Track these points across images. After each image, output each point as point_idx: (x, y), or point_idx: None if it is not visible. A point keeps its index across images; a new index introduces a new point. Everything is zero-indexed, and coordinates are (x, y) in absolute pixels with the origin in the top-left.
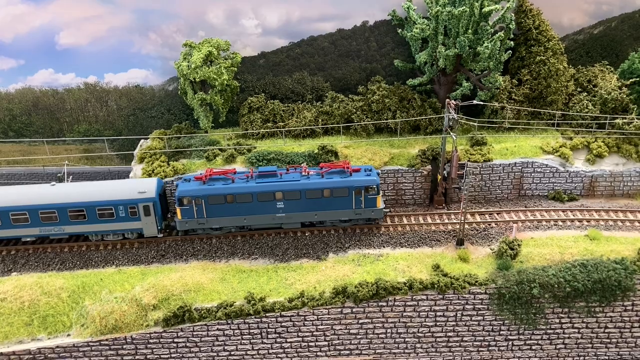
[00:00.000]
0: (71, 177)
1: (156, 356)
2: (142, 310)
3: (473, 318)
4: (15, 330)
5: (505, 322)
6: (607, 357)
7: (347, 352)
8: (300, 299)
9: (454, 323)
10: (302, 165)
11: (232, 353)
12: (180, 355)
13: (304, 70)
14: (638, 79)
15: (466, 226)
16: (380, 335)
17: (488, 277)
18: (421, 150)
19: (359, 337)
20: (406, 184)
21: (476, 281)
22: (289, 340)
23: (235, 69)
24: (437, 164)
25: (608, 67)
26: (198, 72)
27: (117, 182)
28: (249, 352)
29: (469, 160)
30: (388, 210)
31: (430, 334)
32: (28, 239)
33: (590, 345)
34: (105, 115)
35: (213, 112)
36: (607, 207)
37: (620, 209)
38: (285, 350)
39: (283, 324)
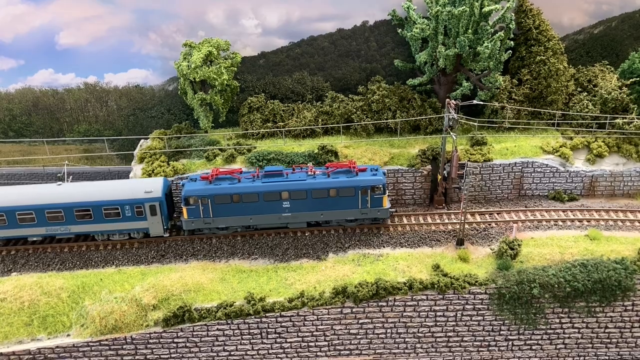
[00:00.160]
0: (71, 177)
1: (156, 356)
2: (142, 311)
3: (473, 318)
4: (15, 330)
5: (506, 322)
6: (607, 357)
7: (347, 352)
8: (300, 299)
9: (454, 323)
10: (308, 164)
11: (232, 353)
12: (180, 355)
13: (304, 70)
14: (638, 78)
15: (466, 226)
16: (380, 335)
17: (488, 277)
18: (421, 150)
19: (359, 337)
20: (406, 184)
21: (476, 281)
22: (288, 340)
23: (235, 69)
24: (437, 163)
25: (608, 66)
26: (198, 72)
27: (124, 182)
28: (248, 352)
29: (469, 160)
30: (394, 210)
31: (430, 334)
32: (34, 239)
33: (590, 345)
34: (105, 115)
35: (213, 112)
36: (608, 207)
37: (621, 208)
38: (285, 350)
39: (283, 324)
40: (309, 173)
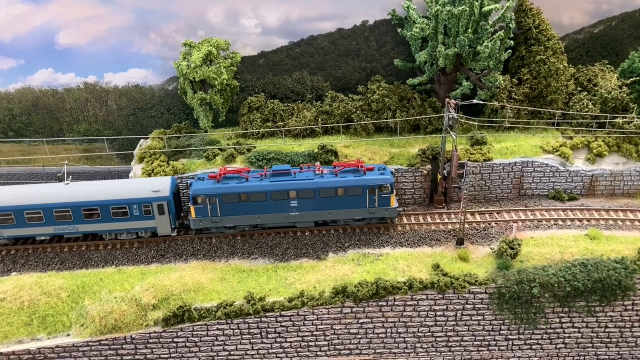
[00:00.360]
0: (71, 177)
1: (156, 356)
2: (142, 310)
3: (473, 318)
4: (14, 330)
5: (505, 321)
6: (607, 357)
7: (347, 351)
8: (300, 299)
9: (453, 323)
10: (316, 164)
11: (232, 353)
12: (180, 355)
13: (304, 70)
14: (638, 78)
15: (466, 225)
16: (380, 335)
17: (488, 277)
18: (421, 150)
19: (358, 336)
20: (406, 184)
21: (476, 281)
22: (288, 340)
23: (235, 68)
24: (437, 163)
25: (608, 66)
26: (198, 71)
27: (131, 181)
28: (248, 352)
29: (469, 160)
30: (402, 209)
31: (430, 333)
32: (42, 238)
33: (590, 345)
34: (105, 115)
35: (213, 112)
36: (607, 207)
37: (621, 208)
38: (285, 350)
39: (283, 323)
40: (317, 172)
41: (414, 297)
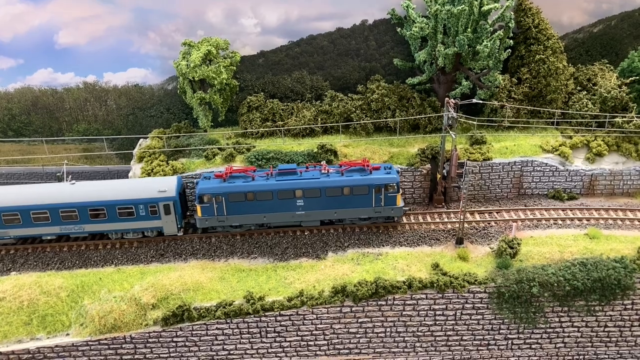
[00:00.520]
0: (70, 176)
1: (155, 355)
2: (141, 310)
3: (472, 317)
4: (14, 329)
5: (505, 321)
6: (606, 356)
7: (347, 351)
8: (299, 298)
9: (453, 322)
10: (322, 163)
11: (231, 352)
12: (180, 354)
13: (303, 69)
14: (638, 77)
15: (466, 225)
16: (379, 334)
17: (487, 276)
18: (420, 149)
19: (358, 336)
20: (406, 183)
21: (476, 280)
22: (288, 339)
23: (235, 68)
24: (436, 162)
25: (608, 65)
26: (197, 71)
27: (138, 181)
28: (248, 352)
29: (468, 159)
30: (407, 208)
31: (429, 333)
32: (48, 238)
33: (590, 344)
34: (105, 114)
35: (212, 111)
36: (607, 206)
37: (620, 207)
38: (285, 349)
39: (282, 323)
40: (323, 171)
41: (413, 296)
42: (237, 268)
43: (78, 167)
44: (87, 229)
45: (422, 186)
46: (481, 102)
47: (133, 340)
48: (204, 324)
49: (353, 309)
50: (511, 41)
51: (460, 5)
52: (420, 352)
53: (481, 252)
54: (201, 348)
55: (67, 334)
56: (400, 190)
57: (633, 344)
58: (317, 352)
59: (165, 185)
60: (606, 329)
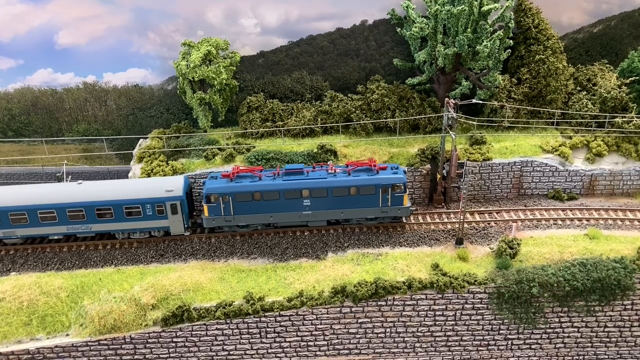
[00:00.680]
0: (70, 176)
1: (155, 356)
2: (141, 310)
3: (472, 317)
4: (14, 330)
5: (505, 321)
6: (606, 357)
7: (346, 351)
8: (299, 299)
9: (453, 322)
10: (329, 162)
11: (231, 352)
12: (179, 354)
13: (303, 70)
14: (637, 77)
15: (465, 225)
16: (379, 335)
17: (487, 277)
18: (420, 150)
19: (358, 336)
20: None
21: (475, 280)
22: (288, 339)
23: (234, 68)
24: (436, 163)
25: (607, 65)
26: (197, 71)
27: (145, 181)
28: (247, 352)
29: (468, 159)
30: (414, 208)
31: (429, 333)
32: (55, 237)
33: (589, 345)
34: (104, 114)
35: (212, 112)
36: (607, 206)
37: (620, 207)
38: (285, 349)
39: (282, 323)
40: (330, 171)
41: (413, 296)
42: (236, 268)
43: (78, 167)
44: (94, 229)
45: (422, 186)
46: (481, 102)
47: (133, 341)
48: (204, 324)
49: (353, 309)
50: (511, 41)
51: (460, 6)
52: (420, 352)
53: (481, 253)
54: (201, 348)
55: (67, 335)
56: (407, 190)
57: (633, 344)
58: (317, 353)
59: (172, 185)
60: (606, 329)
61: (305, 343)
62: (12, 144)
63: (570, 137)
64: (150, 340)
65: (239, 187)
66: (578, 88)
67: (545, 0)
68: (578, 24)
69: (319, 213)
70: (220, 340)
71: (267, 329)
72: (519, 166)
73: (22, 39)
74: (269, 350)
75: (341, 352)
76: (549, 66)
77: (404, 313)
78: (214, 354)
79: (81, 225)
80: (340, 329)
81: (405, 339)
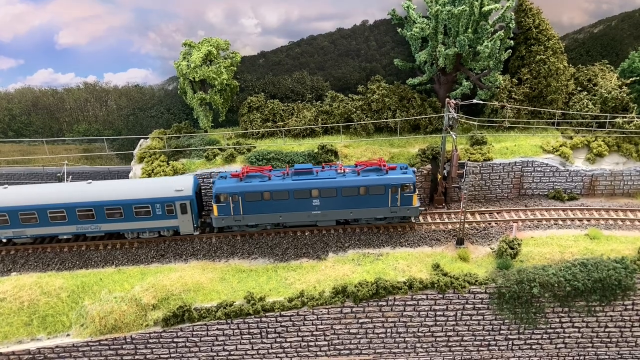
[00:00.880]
0: (71, 177)
1: (156, 356)
2: (142, 310)
3: (473, 317)
4: (14, 330)
5: (506, 321)
6: (607, 357)
7: (347, 351)
8: (300, 299)
9: (454, 322)
10: (338, 162)
11: (232, 353)
12: (180, 355)
13: (304, 70)
14: (638, 77)
15: (466, 225)
16: (380, 335)
17: (488, 277)
18: (421, 150)
19: (358, 336)
20: None
21: (476, 280)
22: (288, 340)
23: (235, 68)
24: (437, 163)
25: (608, 66)
26: (197, 71)
27: (154, 180)
28: (248, 352)
29: (469, 160)
30: (423, 208)
31: (430, 333)
32: (65, 237)
33: (590, 345)
34: (105, 115)
35: (213, 112)
36: (607, 206)
37: (621, 208)
38: (285, 350)
39: (283, 323)
40: (339, 171)
41: (414, 297)
42: (237, 268)
43: (78, 167)
44: (103, 228)
45: (422, 186)
46: (482, 102)
47: (134, 341)
48: (205, 324)
49: (354, 309)
50: (512, 42)
51: (461, 6)
52: (421, 352)
53: (482, 253)
54: (202, 349)
55: (68, 335)
56: (417, 190)
57: (634, 344)
58: (318, 353)
59: (182, 185)
60: (607, 330)
61: (306, 343)
62: (12, 144)
63: (571, 138)
64: (151, 341)
65: (249, 187)
66: (579, 88)
67: (546, 0)
68: (578, 24)
69: (328, 213)
70: (221, 341)
71: (268, 329)
72: (520, 166)
73: (22, 39)
74: (270, 351)
75: (342, 352)
76: (550, 66)
77: (404, 313)
78: (214, 354)
79: (90, 224)
80: (341, 329)
81: (406, 339)
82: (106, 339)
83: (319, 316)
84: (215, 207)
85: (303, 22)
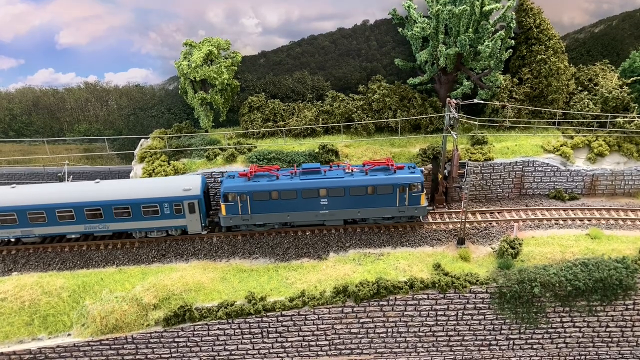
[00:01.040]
0: (72, 176)
1: (157, 356)
2: (143, 310)
3: (474, 317)
4: (15, 329)
5: (507, 321)
6: (608, 356)
7: (348, 351)
8: (301, 299)
9: (455, 322)
10: (346, 162)
11: (233, 352)
12: (181, 354)
13: (305, 70)
14: (639, 77)
15: (467, 225)
16: (381, 335)
17: (489, 276)
18: (422, 149)
19: (360, 336)
20: None
21: (477, 280)
22: (289, 339)
23: (236, 68)
24: (437, 163)
25: (609, 65)
26: (198, 71)
27: (162, 180)
28: (249, 352)
29: (469, 159)
30: (431, 208)
31: (431, 333)
32: (73, 236)
33: (591, 344)
34: (106, 114)
35: (213, 112)
36: (608, 206)
37: (621, 207)
38: (286, 349)
39: (284, 323)
40: (347, 170)
41: (415, 296)
42: (238, 268)
43: (79, 167)
44: (111, 228)
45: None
46: (482, 102)
47: (135, 341)
48: (206, 324)
49: (355, 309)
50: (512, 41)
51: (462, 5)
52: (422, 352)
53: (483, 253)
54: (203, 348)
55: (69, 334)
56: (425, 189)
57: (635, 344)
58: (319, 353)
59: (190, 184)
60: (608, 329)
61: (307, 343)
62: (13, 144)
63: (572, 137)
64: (152, 340)
65: (257, 186)
66: (579, 88)
67: (547, 0)
68: (579, 23)
69: (336, 212)
70: (222, 340)
71: (269, 329)
72: (521, 166)
73: (23, 38)
74: (271, 350)
75: (343, 352)
76: (551, 66)
77: (405, 313)
78: (215, 353)
79: (99, 224)
80: (342, 328)
81: (407, 338)
82: (107, 339)
83: (320, 316)
84: (223, 206)
85: (303, 21)
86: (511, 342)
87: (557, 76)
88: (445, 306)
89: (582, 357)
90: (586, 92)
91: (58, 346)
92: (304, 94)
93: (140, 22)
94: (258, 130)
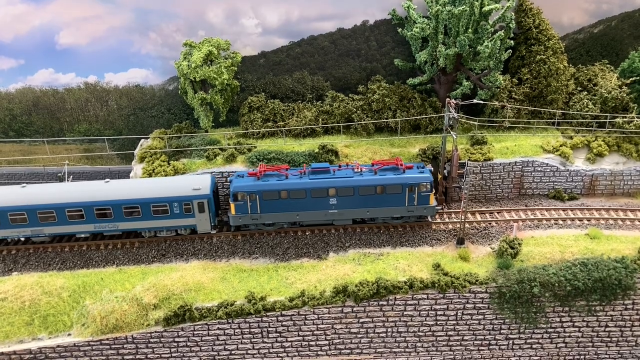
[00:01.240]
0: (72, 176)
1: (157, 355)
2: (143, 310)
3: (474, 317)
4: (16, 329)
5: (506, 321)
6: (607, 356)
7: (348, 351)
8: (300, 298)
9: (454, 322)
10: (355, 161)
11: (233, 352)
12: (181, 354)
13: (304, 70)
14: (638, 77)
15: (466, 225)
16: (381, 334)
17: (489, 276)
18: (421, 150)
19: (359, 336)
20: None
21: (477, 280)
22: (289, 339)
23: (236, 68)
24: (437, 163)
25: (608, 66)
26: (198, 71)
27: (172, 179)
28: (249, 352)
29: (469, 160)
30: (440, 207)
31: (430, 333)
32: (82, 235)
33: (590, 344)
34: (106, 114)
35: (213, 112)
36: (608, 206)
37: (621, 207)
38: (286, 349)
39: (284, 323)
40: (356, 170)
41: (414, 296)
42: (238, 268)
43: (79, 167)
44: (120, 227)
45: None
46: (482, 102)
47: (135, 341)
48: (206, 324)
49: (354, 309)
50: (512, 42)
51: (461, 6)
52: (422, 352)
53: (482, 252)
54: (203, 348)
55: (69, 334)
56: (434, 189)
57: (634, 343)
58: (319, 352)
59: (199, 183)
60: (607, 329)
61: (306, 343)
62: (13, 144)
63: (571, 137)
64: (152, 340)
65: (267, 186)
66: (579, 88)
67: (546, 0)
68: (578, 24)
69: (345, 212)
70: (222, 340)
71: (269, 329)
72: (520, 166)
73: (23, 39)
74: (271, 350)
75: (343, 351)
76: (550, 66)
77: (405, 313)
78: (215, 353)
79: (108, 223)
80: (341, 328)
81: (407, 338)
82: (107, 339)
83: (319, 316)
84: (232, 205)
85: (303, 22)
86: (511, 341)
87: (556, 76)
88: (445, 306)
89: (582, 357)
90: (585, 92)
91: (58, 346)
92: (304, 94)
93: (140, 22)
94: (258, 131)
